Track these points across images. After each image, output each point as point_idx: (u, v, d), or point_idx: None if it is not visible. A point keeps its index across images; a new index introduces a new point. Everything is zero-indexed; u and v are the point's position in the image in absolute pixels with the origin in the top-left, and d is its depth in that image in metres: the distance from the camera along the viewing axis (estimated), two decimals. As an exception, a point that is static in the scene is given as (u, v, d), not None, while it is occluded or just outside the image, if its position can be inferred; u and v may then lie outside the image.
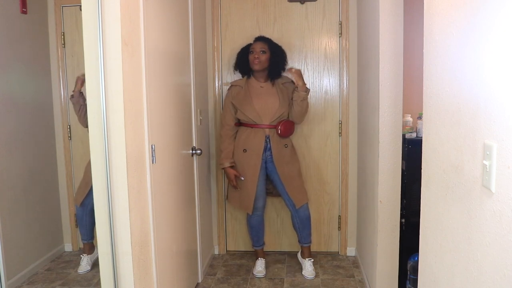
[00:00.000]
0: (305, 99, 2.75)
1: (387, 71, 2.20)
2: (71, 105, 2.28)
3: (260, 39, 2.84)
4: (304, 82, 2.76)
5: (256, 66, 2.77)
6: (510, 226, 0.81)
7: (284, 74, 2.87)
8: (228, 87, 3.00)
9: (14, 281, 2.08)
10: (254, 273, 2.90)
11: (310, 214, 2.93)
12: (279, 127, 2.76)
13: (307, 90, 2.74)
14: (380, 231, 2.31)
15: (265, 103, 2.78)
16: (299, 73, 2.74)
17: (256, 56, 2.76)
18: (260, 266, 2.93)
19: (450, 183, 1.14)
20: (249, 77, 2.87)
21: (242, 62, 2.85)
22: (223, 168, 2.85)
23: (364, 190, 2.82)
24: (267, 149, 2.79)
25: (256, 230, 2.96)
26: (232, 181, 2.81)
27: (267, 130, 2.78)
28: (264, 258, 3.00)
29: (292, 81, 2.83)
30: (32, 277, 2.26)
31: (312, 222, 3.17)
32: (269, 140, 2.78)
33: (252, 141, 2.78)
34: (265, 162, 2.82)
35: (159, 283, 1.94)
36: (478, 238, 0.96)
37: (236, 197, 2.89)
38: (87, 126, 2.21)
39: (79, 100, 2.15)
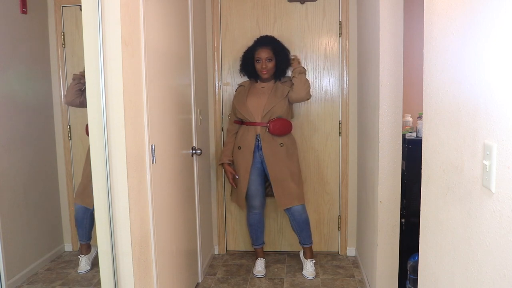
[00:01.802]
0: (302, 72, 2.78)
1: (387, 71, 2.20)
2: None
3: (263, 43, 2.80)
4: (299, 65, 2.83)
5: (265, 76, 2.79)
6: (510, 226, 0.81)
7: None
8: (235, 87, 3.06)
9: (14, 281, 2.08)
10: (254, 273, 2.90)
11: (308, 216, 2.90)
12: (269, 124, 2.76)
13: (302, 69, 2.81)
14: (380, 231, 2.31)
15: (257, 101, 2.81)
16: (297, 60, 2.86)
17: (264, 66, 2.76)
18: (260, 266, 2.93)
19: (450, 183, 1.14)
20: (256, 81, 2.89)
21: (248, 69, 2.86)
22: (221, 164, 2.92)
23: (364, 190, 2.82)
24: (259, 147, 2.80)
25: (254, 228, 2.97)
26: (228, 178, 2.88)
27: (258, 128, 2.79)
28: (264, 258, 3.00)
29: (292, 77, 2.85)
30: (32, 277, 2.26)
31: (312, 222, 3.17)
32: (260, 138, 2.79)
33: (246, 139, 2.81)
34: (261, 162, 2.83)
35: (159, 283, 1.94)
36: (478, 238, 0.96)
37: (235, 194, 2.95)
38: (69, 104, 2.22)
39: (81, 79, 2.13)
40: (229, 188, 3.24)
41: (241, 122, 2.87)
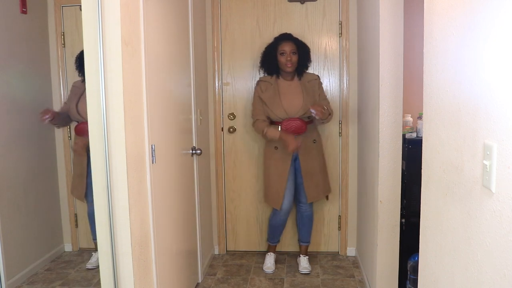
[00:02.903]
0: (324, 119, 2.69)
1: (387, 71, 2.20)
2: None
3: (287, 38, 2.80)
4: (322, 113, 2.61)
5: (289, 69, 2.77)
6: (510, 226, 0.81)
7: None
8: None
9: (14, 281, 2.08)
10: (264, 268, 2.94)
11: (313, 214, 2.98)
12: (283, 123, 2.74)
13: (326, 116, 2.68)
14: (380, 231, 2.31)
15: (291, 100, 2.78)
16: (319, 111, 2.61)
17: (289, 58, 2.74)
18: (269, 262, 2.97)
19: (450, 183, 1.14)
20: (277, 76, 2.85)
21: (271, 63, 2.81)
22: (270, 142, 2.79)
23: (364, 190, 2.82)
24: None
25: (275, 227, 3.00)
26: (292, 143, 2.69)
27: None
28: (274, 253, 3.03)
29: (317, 77, 2.86)
30: (32, 277, 2.26)
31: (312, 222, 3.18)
32: (296, 137, 2.76)
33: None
34: (294, 160, 2.84)
35: (159, 283, 1.94)
36: (478, 238, 0.96)
37: (267, 194, 2.91)
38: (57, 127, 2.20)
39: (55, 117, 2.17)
40: (230, 188, 3.24)
41: (270, 122, 2.81)
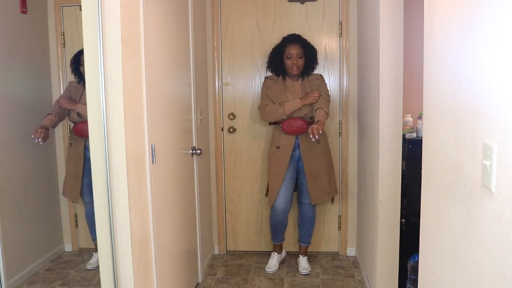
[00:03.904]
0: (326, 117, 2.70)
1: (387, 71, 2.20)
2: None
3: (295, 40, 2.79)
4: (323, 123, 2.60)
5: (294, 72, 2.78)
6: (510, 226, 0.81)
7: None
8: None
9: (14, 281, 2.08)
10: (265, 268, 2.96)
11: (315, 216, 2.99)
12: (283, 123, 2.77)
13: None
14: (380, 231, 2.31)
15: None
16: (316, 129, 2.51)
17: (295, 62, 2.75)
18: (270, 262, 2.98)
19: (450, 183, 1.14)
20: (284, 78, 2.86)
21: (277, 65, 2.82)
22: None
23: (364, 190, 2.82)
24: (297, 146, 2.81)
25: (272, 227, 3.01)
26: (313, 94, 2.70)
27: None
28: (277, 253, 3.03)
29: (320, 76, 2.85)
30: (32, 277, 2.26)
31: (312, 222, 3.18)
32: (298, 137, 2.80)
33: (284, 139, 2.81)
34: (297, 160, 2.84)
35: (159, 283, 1.94)
36: (478, 238, 0.96)
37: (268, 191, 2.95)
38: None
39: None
40: (230, 188, 3.24)
41: (274, 122, 2.85)
